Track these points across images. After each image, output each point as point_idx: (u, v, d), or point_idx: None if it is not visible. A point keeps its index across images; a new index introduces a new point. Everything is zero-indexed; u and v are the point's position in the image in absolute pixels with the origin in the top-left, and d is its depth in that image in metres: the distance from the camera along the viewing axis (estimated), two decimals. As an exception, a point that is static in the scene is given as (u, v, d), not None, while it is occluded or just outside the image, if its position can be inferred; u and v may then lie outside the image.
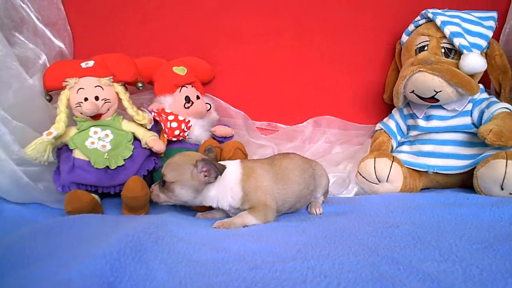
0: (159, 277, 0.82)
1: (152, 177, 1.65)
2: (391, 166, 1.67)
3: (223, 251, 0.99)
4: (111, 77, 1.52)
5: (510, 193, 1.45)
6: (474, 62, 1.61)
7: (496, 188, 1.48)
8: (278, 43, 2.08)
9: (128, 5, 1.99)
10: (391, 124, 1.92)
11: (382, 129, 1.94)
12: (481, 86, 1.72)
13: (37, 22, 1.75)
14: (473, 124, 1.70)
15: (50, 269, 0.81)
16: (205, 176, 1.29)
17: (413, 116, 1.83)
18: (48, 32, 1.78)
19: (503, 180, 1.45)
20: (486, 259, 0.88)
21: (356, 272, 0.83)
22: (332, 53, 2.10)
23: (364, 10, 2.09)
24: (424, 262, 0.88)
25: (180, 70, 1.76)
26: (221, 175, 1.29)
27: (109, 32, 1.96)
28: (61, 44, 1.82)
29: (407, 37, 1.90)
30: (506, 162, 1.45)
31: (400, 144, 1.92)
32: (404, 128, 1.90)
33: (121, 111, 1.59)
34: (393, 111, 1.96)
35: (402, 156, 1.79)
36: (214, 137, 1.76)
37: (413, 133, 1.84)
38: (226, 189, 1.34)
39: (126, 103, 1.54)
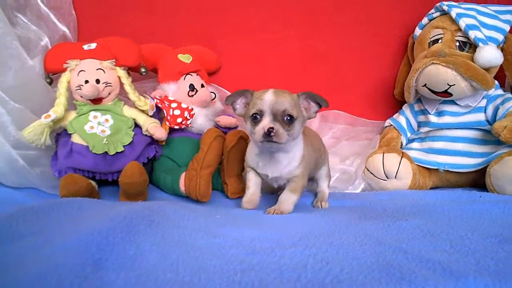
0: (149, 258, 0.76)
1: (152, 165, 1.60)
2: (400, 162, 1.61)
3: (220, 237, 0.93)
4: (113, 60, 1.48)
5: (525, 192, 1.39)
6: (490, 55, 1.55)
7: (510, 187, 1.42)
8: (286, 35, 2.03)
9: (135, -8, 1.95)
10: (401, 120, 1.86)
11: (391, 125, 1.88)
12: (496, 82, 1.66)
13: (41, 5, 1.71)
14: (487, 121, 1.63)
15: (35, 245, 0.76)
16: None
17: (424, 112, 1.77)
18: (52, 16, 1.74)
19: (518, 178, 1.39)
20: (501, 251, 0.82)
21: (360, 259, 0.77)
22: (342, 46, 2.05)
23: (376, 3, 2.04)
24: (434, 252, 0.82)
25: (185, 58, 1.72)
26: (326, 106, 1.29)
27: (115, 19, 1.92)
28: (65, 29, 1.78)
29: (420, 30, 1.84)
30: (522, 159, 1.39)
31: (410, 141, 1.86)
32: (414, 124, 1.84)
33: (123, 97, 1.55)
34: (403, 107, 1.90)
35: (412, 153, 1.73)
36: (218, 127, 1.71)
37: (424, 129, 1.77)
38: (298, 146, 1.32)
39: (128, 87, 1.50)
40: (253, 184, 1.39)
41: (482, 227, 1.03)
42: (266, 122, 1.18)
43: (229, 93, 1.91)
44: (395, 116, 1.91)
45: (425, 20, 1.83)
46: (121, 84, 1.50)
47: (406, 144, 1.85)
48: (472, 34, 1.59)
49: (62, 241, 0.73)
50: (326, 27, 2.04)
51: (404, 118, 1.86)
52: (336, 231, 1.00)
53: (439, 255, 0.80)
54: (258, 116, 1.21)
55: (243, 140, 1.49)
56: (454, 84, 1.56)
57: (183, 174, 1.45)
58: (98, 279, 0.64)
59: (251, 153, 1.36)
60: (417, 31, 1.86)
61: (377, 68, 2.06)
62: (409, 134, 1.85)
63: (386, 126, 1.92)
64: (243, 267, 0.73)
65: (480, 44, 1.57)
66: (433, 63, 1.58)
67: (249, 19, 2.01)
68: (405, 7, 2.02)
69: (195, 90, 1.66)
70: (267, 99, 1.20)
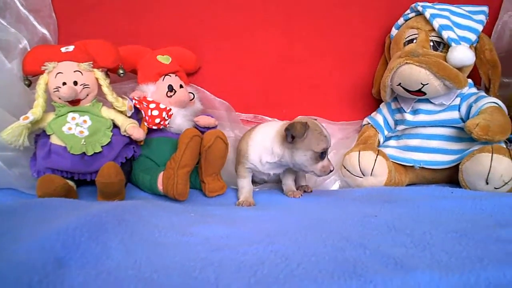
0: (114, 256, 0.78)
1: (131, 165, 1.62)
2: (375, 160, 1.64)
3: (189, 235, 0.96)
4: (91, 62, 1.49)
5: (495, 188, 1.42)
6: (462, 54, 1.57)
7: (481, 183, 1.44)
8: (266, 37, 2.05)
9: (115, -6, 1.96)
10: (379, 118, 1.89)
11: (369, 123, 1.91)
12: (470, 81, 1.70)
13: (21, 8, 1.71)
14: (461, 118, 1.66)
15: (2, 245, 0.78)
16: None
17: (400, 110, 1.80)
18: (31, 18, 1.74)
19: (488, 175, 1.41)
20: (457, 246, 0.85)
21: (319, 255, 0.80)
22: (321, 47, 2.07)
23: (353, 5, 2.06)
24: (393, 248, 0.85)
25: (164, 59, 1.74)
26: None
27: (95, 21, 1.93)
28: (45, 31, 1.78)
29: (397, 30, 1.87)
30: (492, 156, 1.41)
31: (387, 138, 1.89)
32: (391, 123, 1.87)
33: (102, 98, 1.56)
34: (381, 106, 1.93)
35: (389, 151, 1.76)
36: (197, 127, 1.73)
37: (400, 127, 1.80)
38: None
39: (105, 89, 1.51)
40: (247, 186, 1.54)
41: (447, 223, 1.06)
42: (328, 162, 1.39)
43: (208, 94, 1.93)
44: (372, 114, 1.94)
45: (401, 21, 1.86)
46: (99, 85, 1.51)
47: (384, 142, 1.88)
48: (445, 34, 1.62)
49: (28, 240, 0.75)
50: (305, 29, 2.06)
51: (381, 117, 1.89)
52: (303, 229, 1.02)
53: (396, 250, 0.83)
54: (324, 154, 1.38)
55: (220, 140, 1.51)
56: (428, 83, 1.59)
57: (161, 174, 1.47)
58: (59, 277, 0.66)
59: (261, 159, 1.48)
60: (394, 31, 1.89)
61: (355, 68, 2.08)
62: (386, 132, 1.88)
63: (364, 125, 1.95)
64: (204, 263, 0.75)
65: (453, 44, 1.60)
66: (406, 63, 1.61)
67: (228, 21, 2.02)
68: (382, 9, 2.04)
69: (173, 90, 1.68)
70: (329, 137, 1.40)
